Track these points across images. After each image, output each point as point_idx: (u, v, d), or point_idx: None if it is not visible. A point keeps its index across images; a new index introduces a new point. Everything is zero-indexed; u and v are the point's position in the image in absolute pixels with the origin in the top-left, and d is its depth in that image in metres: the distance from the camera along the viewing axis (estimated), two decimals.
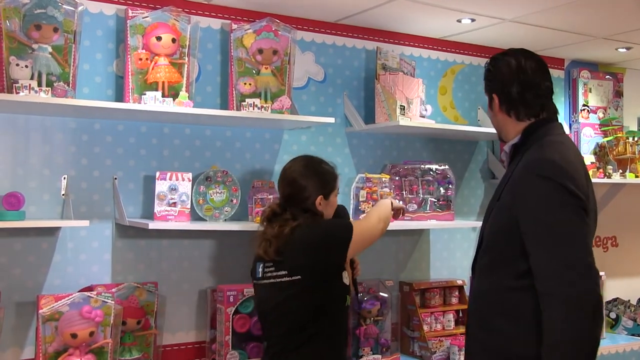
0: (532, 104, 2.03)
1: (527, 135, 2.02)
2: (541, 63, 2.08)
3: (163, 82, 2.68)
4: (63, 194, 2.65)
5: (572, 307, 1.75)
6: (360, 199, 3.05)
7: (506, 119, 2.08)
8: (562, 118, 4.08)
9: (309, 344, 2.25)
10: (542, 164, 1.88)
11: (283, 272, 2.27)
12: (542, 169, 1.87)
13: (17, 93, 2.37)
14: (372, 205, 3.03)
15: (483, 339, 2.01)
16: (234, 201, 2.91)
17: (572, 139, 3.99)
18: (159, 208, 2.68)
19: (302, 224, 2.30)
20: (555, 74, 4.04)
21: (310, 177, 2.37)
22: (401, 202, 2.88)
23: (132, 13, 2.71)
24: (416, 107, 3.26)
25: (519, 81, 2.03)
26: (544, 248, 1.82)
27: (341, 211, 2.58)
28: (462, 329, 3.24)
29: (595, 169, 3.81)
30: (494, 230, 2.00)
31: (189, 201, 2.74)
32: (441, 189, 3.33)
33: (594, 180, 3.66)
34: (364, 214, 2.54)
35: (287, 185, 2.38)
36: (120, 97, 2.74)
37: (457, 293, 3.43)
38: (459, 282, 3.45)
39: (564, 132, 2.06)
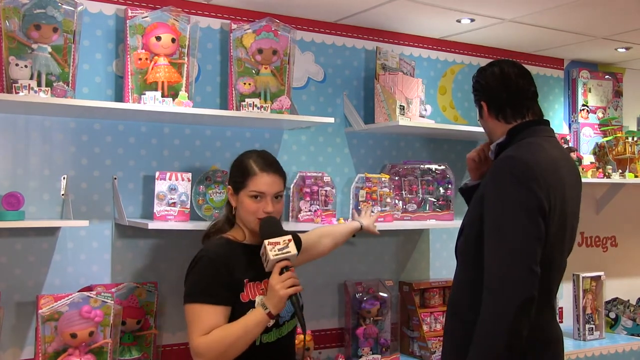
0: (519, 107, 2.12)
1: (512, 135, 2.11)
2: (524, 69, 2.19)
3: (163, 82, 2.68)
4: (63, 194, 2.65)
5: (500, 303, 1.84)
6: (360, 199, 3.05)
7: (496, 123, 2.16)
8: (562, 118, 4.08)
9: None
10: (509, 162, 1.97)
11: None
12: (508, 166, 1.96)
13: (16, 93, 2.37)
14: (372, 206, 3.03)
15: (452, 324, 2.12)
16: None
17: (572, 139, 4.01)
18: (158, 208, 2.68)
19: (213, 237, 2.21)
20: (555, 74, 4.05)
21: (233, 165, 2.23)
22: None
23: (132, 13, 2.71)
24: (416, 107, 3.26)
25: (504, 86, 2.13)
26: (491, 244, 1.91)
27: (262, 226, 2.11)
28: None
29: (595, 169, 3.81)
30: (470, 221, 2.11)
31: (189, 201, 2.74)
32: (441, 188, 3.33)
33: (593, 180, 3.72)
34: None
35: None
36: (119, 97, 2.74)
37: None
38: None
39: (550, 135, 2.14)
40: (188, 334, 2.01)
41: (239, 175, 2.16)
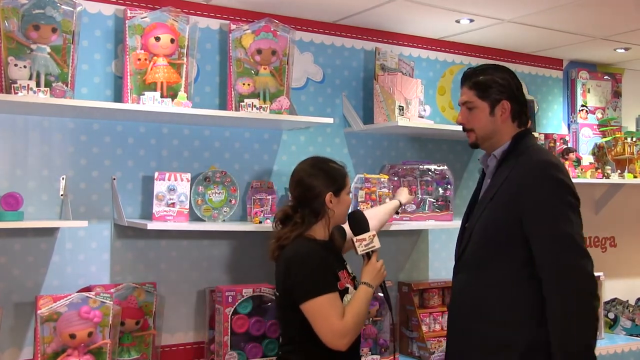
0: (527, 114, 2.27)
1: (516, 142, 2.21)
2: None
3: (162, 83, 2.68)
4: (62, 195, 2.65)
5: (577, 289, 1.98)
6: (359, 200, 3.05)
7: (509, 125, 2.24)
8: (561, 118, 4.08)
9: (302, 352, 2.26)
10: (548, 165, 2.10)
11: (275, 284, 2.34)
12: (549, 169, 2.08)
13: (15, 93, 2.37)
14: (371, 206, 3.03)
15: (484, 330, 2.13)
16: (233, 201, 2.91)
17: (571, 140, 4.03)
18: (157, 208, 2.67)
19: (298, 238, 2.27)
20: (554, 74, 4.05)
21: (317, 175, 2.32)
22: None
23: (131, 13, 2.71)
24: (415, 108, 3.26)
25: (522, 93, 2.27)
26: (547, 242, 2.03)
27: (358, 217, 2.42)
28: None
29: (594, 170, 3.81)
30: (490, 226, 2.15)
31: (188, 201, 2.73)
32: (440, 189, 3.33)
33: (592, 180, 3.74)
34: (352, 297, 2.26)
35: (296, 186, 2.35)
36: (118, 97, 2.74)
37: None
38: None
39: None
40: (322, 323, 2.14)
41: (339, 178, 2.35)
